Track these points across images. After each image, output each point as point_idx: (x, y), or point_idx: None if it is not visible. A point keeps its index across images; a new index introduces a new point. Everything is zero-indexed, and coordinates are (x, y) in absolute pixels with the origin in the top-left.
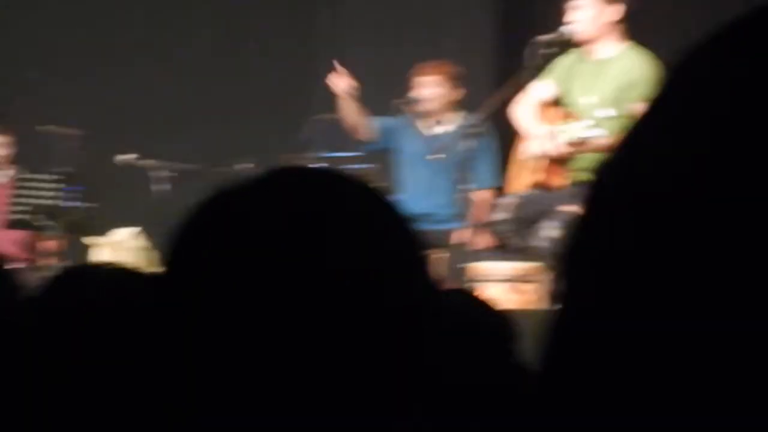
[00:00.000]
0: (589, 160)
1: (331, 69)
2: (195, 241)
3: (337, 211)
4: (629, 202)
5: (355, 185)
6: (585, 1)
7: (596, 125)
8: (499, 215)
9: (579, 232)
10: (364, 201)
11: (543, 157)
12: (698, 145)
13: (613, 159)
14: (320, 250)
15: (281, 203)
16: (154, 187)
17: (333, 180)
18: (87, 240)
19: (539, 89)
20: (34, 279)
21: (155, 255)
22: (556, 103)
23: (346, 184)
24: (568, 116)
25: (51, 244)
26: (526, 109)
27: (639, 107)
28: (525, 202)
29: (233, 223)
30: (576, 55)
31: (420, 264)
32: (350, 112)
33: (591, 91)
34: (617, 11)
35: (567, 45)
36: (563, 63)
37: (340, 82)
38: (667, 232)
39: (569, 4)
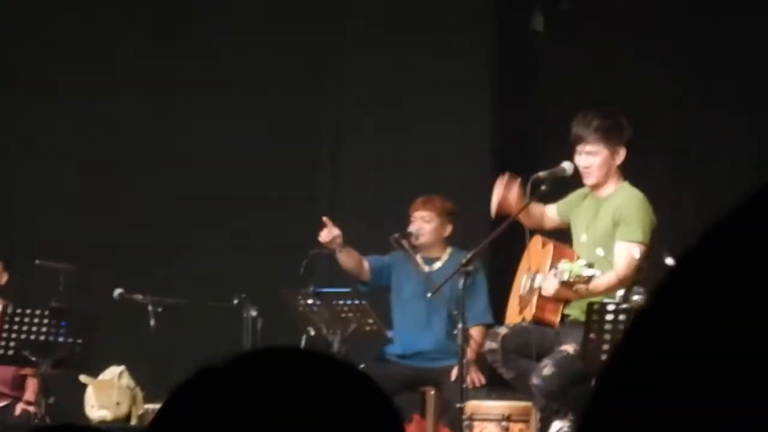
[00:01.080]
0: (582, 300)
1: (330, 203)
2: (172, 423)
3: (317, 397)
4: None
5: (339, 368)
6: (595, 149)
7: (591, 264)
8: (490, 345)
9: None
10: (345, 386)
11: (537, 292)
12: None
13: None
14: None
15: (261, 388)
16: (148, 323)
17: (316, 363)
18: (79, 377)
19: (549, 207)
20: (20, 416)
21: (140, 394)
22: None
23: (330, 367)
24: (564, 254)
25: (39, 381)
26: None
27: (623, 246)
28: (516, 333)
29: (209, 409)
30: (584, 191)
31: None
32: (345, 261)
33: (588, 228)
34: (621, 155)
35: (567, 180)
36: (572, 196)
37: (329, 236)
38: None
39: (578, 149)
